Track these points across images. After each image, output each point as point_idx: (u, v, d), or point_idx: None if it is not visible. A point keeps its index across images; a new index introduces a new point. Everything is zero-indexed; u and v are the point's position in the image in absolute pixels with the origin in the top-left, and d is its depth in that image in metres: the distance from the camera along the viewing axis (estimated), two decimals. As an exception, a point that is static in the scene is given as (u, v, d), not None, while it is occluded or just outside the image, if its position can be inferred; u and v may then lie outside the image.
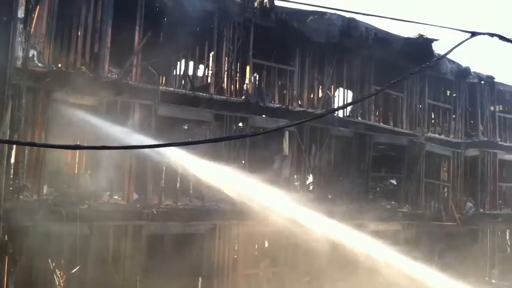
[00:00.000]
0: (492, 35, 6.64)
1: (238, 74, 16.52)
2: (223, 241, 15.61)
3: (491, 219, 23.18)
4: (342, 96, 20.79)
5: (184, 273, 14.96)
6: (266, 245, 17.97)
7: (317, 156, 17.87)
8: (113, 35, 13.98)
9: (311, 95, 18.32)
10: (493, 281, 22.59)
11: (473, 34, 6.46)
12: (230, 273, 15.66)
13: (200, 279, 15.75)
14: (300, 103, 17.80)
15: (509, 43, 6.74)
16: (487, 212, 23.01)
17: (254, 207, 14.94)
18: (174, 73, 20.09)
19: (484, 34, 6.55)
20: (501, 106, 25.32)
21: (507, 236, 25.96)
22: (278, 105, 17.13)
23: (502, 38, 6.62)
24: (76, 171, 14.48)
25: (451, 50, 6.47)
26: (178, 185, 15.02)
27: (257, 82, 18.37)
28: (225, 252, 15.63)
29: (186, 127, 17.06)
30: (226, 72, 16.01)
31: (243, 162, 16.40)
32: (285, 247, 16.75)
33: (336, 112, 19.02)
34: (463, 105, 23.08)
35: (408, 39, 19.13)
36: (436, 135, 22.03)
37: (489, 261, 22.90)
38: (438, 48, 19.61)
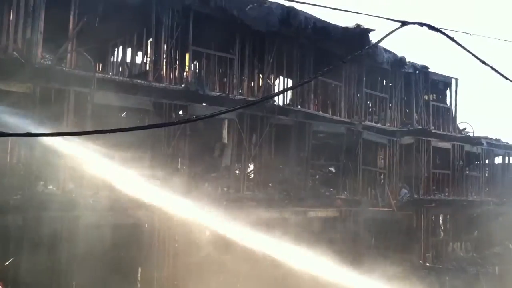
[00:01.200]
0: (421, 24, 6.85)
1: (177, 62, 16.32)
2: (163, 230, 15.46)
3: (425, 205, 24.02)
4: (282, 85, 20.99)
5: (123, 263, 14.77)
6: (207, 233, 17.92)
7: (257, 145, 17.95)
8: (47, 20, 13.49)
9: (251, 83, 18.34)
10: (427, 264, 23.46)
11: (403, 23, 6.64)
12: (171, 262, 15.55)
13: (139, 269, 15.61)
14: (240, 91, 17.78)
15: (438, 33, 6.97)
16: (421, 198, 23.80)
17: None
18: (111, 60, 19.67)
19: (414, 23, 6.75)
20: (434, 95, 26.16)
21: (440, 221, 26.96)
22: (218, 93, 17.04)
23: (430, 27, 6.84)
24: (8, 160, 13.96)
25: (382, 39, 6.64)
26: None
27: (197, 70, 18.24)
28: (165, 241, 15.50)
29: (124, 115, 16.77)
30: (165, 60, 15.77)
31: (184, 151, 16.28)
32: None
33: (276, 100, 19.11)
34: (398, 94, 23.72)
35: (346, 29, 19.37)
36: (373, 124, 22.52)
37: (424, 245, 23.72)
38: (376, 39, 20.04)
